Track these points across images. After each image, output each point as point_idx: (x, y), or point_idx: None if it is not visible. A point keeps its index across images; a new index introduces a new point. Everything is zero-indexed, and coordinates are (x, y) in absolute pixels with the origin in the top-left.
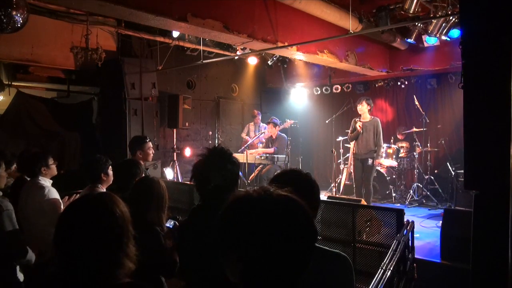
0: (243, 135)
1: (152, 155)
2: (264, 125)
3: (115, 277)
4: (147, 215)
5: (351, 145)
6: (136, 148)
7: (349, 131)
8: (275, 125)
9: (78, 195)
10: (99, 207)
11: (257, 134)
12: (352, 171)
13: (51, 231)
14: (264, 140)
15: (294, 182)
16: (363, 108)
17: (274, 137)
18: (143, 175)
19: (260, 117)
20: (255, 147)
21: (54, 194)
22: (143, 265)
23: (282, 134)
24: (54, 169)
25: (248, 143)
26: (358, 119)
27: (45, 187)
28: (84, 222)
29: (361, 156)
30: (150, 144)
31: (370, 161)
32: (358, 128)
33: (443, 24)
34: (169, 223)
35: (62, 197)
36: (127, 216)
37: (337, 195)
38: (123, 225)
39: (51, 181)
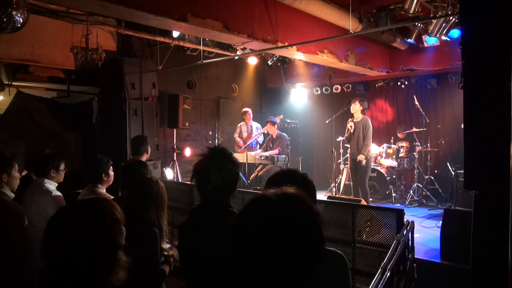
0: (235, 135)
1: None
2: (256, 124)
3: (104, 285)
4: (146, 216)
5: (349, 145)
6: (144, 147)
7: (345, 132)
8: (274, 124)
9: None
10: (86, 216)
11: (251, 134)
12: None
13: None
14: (259, 140)
15: (291, 182)
16: (355, 107)
17: (274, 136)
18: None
19: (251, 116)
20: (250, 148)
21: (59, 197)
22: (134, 269)
23: (283, 134)
24: (62, 175)
25: (246, 145)
26: (351, 119)
27: (50, 191)
28: (69, 232)
29: (354, 156)
30: None
31: (363, 161)
32: (349, 128)
33: (443, 24)
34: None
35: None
36: (117, 224)
37: (337, 195)
38: (110, 235)
39: (56, 185)
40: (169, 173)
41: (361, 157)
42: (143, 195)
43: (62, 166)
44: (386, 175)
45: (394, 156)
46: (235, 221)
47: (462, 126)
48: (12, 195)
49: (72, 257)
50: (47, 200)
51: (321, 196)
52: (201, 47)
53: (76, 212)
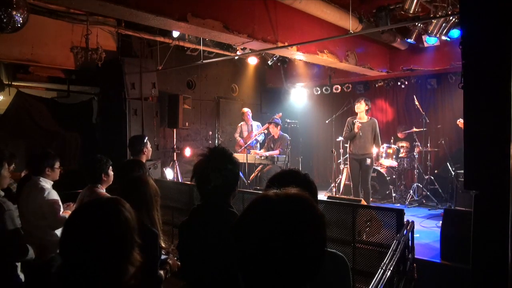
0: (236, 135)
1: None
2: (257, 123)
3: (118, 282)
4: (140, 217)
5: (348, 144)
6: (141, 146)
7: (344, 131)
8: (277, 125)
9: (73, 204)
10: (108, 213)
11: (251, 134)
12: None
13: (51, 232)
14: (259, 139)
15: (293, 182)
16: (361, 107)
17: (276, 137)
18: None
19: (250, 116)
20: (250, 147)
21: (54, 196)
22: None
23: (285, 134)
24: (57, 173)
25: (246, 145)
26: (355, 120)
27: (45, 189)
28: (90, 228)
29: (358, 156)
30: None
31: (368, 161)
32: (356, 128)
33: (443, 24)
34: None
35: (60, 197)
36: (133, 223)
37: (337, 195)
38: (129, 233)
39: (51, 183)
40: (169, 173)
41: (378, 162)
42: (132, 195)
43: (57, 164)
44: (386, 175)
45: (394, 156)
46: (237, 221)
47: (458, 122)
48: (2, 193)
49: (91, 253)
50: (42, 198)
51: (321, 196)
52: (201, 47)
53: (97, 209)
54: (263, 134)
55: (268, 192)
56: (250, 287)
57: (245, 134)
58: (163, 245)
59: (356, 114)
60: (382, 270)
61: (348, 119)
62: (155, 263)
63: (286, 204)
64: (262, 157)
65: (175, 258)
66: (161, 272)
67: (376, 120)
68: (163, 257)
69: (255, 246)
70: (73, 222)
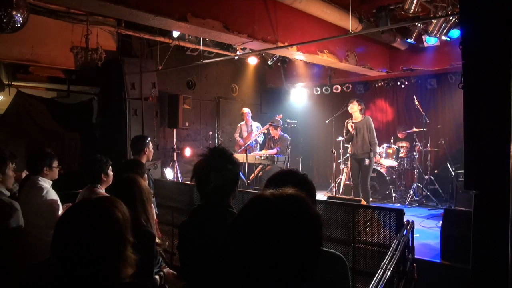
0: (236, 135)
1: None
2: (256, 123)
3: (113, 281)
4: (137, 216)
5: (349, 145)
6: (143, 147)
7: (344, 133)
8: (276, 127)
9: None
10: (98, 212)
11: (251, 135)
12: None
13: (49, 232)
14: (259, 139)
15: (291, 182)
16: (354, 107)
17: (276, 137)
18: (146, 175)
19: (249, 116)
20: (250, 148)
21: (52, 195)
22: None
23: (285, 135)
24: (55, 172)
25: (245, 145)
26: (350, 120)
27: (43, 188)
28: (82, 228)
29: (357, 157)
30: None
31: (367, 161)
32: (350, 129)
33: (443, 24)
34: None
35: (60, 197)
36: (126, 222)
37: (337, 195)
38: (121, 231)
39: (50, 182)
40: (169, 173)
41: (378, 158)
42: (125, 195)
43: (55, 164)
44: (386, 175)
45: (394, 156)
46: (233, 221)
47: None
48: (8, 193)
49: (84, 253)
50: (41, 198)
51: (321, 196)
52: (201, 47)
53: (88, 208)
54: (262, 135)
55: (265, 192)
56: (246, 287)
57: (245, 134)
58: (158, 241)
59: (351, 115)
60: (382, 270)
61: (345, 121)
62: (151, 264)
63: (282, 203)
64: (262, 157)
65: (167, 267)
66: (156, 276)
67: (370, 118)
68: (156, 269)
69: (250, 245)
70: (64, 222)
